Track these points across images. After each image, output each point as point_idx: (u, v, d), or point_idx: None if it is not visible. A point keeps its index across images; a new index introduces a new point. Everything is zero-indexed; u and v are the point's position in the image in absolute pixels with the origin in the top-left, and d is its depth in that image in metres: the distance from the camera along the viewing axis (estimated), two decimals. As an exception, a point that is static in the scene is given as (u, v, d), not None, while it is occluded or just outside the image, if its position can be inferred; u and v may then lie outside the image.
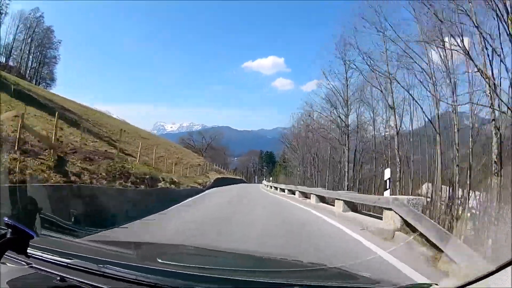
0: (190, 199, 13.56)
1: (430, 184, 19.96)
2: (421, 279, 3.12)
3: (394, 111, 15.94)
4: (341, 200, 8.14)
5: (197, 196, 15.81)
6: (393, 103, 16.05)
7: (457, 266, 2.87)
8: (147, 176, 11.54)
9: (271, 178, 34.10)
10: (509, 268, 0.96)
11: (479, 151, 14.89)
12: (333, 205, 9.29)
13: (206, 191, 21.08)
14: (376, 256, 4.37)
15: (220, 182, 31.73)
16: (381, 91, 16.41)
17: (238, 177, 55.58)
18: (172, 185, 14.48)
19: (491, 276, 1.00)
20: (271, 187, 25.21)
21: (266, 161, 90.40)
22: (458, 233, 4.10)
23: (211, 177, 31.04)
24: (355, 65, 18.44)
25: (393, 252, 4.44)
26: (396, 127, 15.91)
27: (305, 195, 13.42)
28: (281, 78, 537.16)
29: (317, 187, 16.53)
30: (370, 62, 16.27)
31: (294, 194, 15.01)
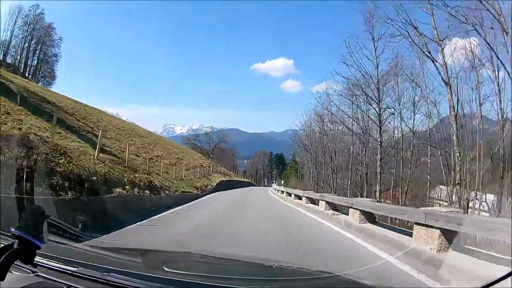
0: (167, 212, 9.40)
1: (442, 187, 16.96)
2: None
3: (450, 88, 11.54)
4: (436, 228, 3.85)
5: (182, 206, 11.56)
6: (448, 77, 11.68)
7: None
8: (95, 178, 7.50)
9: (282, 182, 29.19)
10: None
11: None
12: (405, 233, 5.05)
13: (203, 198, 17.01)
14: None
15: (225, 186, 27.68)
16: (433, 61, 11.95)
17: (246, 180, 51.40)
18: (146, 191, 10.43)
19: (499, 282, 1.00)
20: (282, 192, 20.87)
21: (276, 163, 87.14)
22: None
23: (213, 180, 26.99)
24: (389, 22, 13.65)
25: None
26: (455, 109, 11.43)
27: (334, 207, 9.15)
28: (291, 80, 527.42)
29: (352, 197, 12.24)
30: (412, 21, 11.89)
31: (317, 204, 10.73)
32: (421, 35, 11.95)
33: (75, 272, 1.17)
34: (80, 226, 5.19)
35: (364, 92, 16.34)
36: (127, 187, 8.90)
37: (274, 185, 32.45)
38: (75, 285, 1.09)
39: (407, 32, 12.66)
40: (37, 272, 1.16)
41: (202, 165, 30.86)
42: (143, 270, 1.36)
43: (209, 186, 22.99)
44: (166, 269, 1.34)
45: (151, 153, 25.72)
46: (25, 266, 1.14)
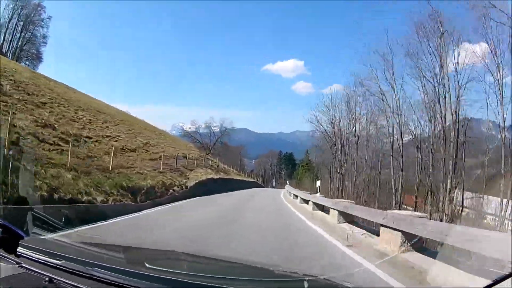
0: None
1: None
2: None
3: None
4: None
5: None
6: None
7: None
8: None
9: (318, 184, 15.73)
10: (509, 280, 0.88)
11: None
12: None
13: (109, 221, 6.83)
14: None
15: (212, 186, 17.42)
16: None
17: (251, 180, 40.82)
18: None
19: (500, 283, 0.94)
20: (319, 206, 9.95)
21: (285, 163, 77.31)
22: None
23: (194, 176, 16.67)
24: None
25: None
26: None
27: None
28: (302, 81, 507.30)
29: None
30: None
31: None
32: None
33: (59, 265, 1.13)
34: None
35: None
36: None
37: (288, 187, 21.77)
38: (58, 278, 1.05)
39: None
40: (21, 263, 1.13)
41: (185, 157, 20.63)
42: (125, 265, 1.32)
43: (177, 187, 12.72)
44: (147, 265, 1.30)
45: (100, 131, 15.99)
46: (8, 256, 1.12)
